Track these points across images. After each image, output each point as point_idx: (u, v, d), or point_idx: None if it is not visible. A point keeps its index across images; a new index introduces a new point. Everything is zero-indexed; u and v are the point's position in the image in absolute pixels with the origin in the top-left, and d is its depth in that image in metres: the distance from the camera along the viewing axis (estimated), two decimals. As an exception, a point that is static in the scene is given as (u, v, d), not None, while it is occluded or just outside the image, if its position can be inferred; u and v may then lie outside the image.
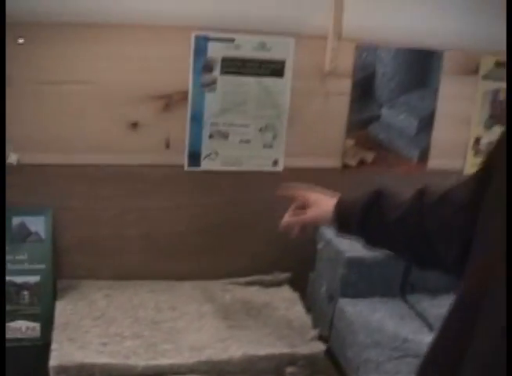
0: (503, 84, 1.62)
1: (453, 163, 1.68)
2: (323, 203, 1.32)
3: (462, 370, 0.84)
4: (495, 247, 0.84)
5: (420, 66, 1.58)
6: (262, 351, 1.32)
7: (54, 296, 1.47)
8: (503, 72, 1.62)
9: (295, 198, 1.39)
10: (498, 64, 1.62)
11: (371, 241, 1.26)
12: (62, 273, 1.52)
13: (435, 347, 0.92)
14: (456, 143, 1.66)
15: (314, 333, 1.40)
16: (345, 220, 1.27)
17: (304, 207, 1.37)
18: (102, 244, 1.53)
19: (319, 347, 1.36)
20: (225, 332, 1.38)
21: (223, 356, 1.30)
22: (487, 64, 1.62)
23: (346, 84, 1.55)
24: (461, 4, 1.57)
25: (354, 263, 1.48)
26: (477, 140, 1.66)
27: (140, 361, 1.26)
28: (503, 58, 1.61)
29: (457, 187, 1.09)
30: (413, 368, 0.95)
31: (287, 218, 1.37)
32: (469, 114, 1.65)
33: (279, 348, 1.34)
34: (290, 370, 1.34)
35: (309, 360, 1.35)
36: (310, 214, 1.34)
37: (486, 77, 1.62)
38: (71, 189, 1.48)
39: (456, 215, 1.01)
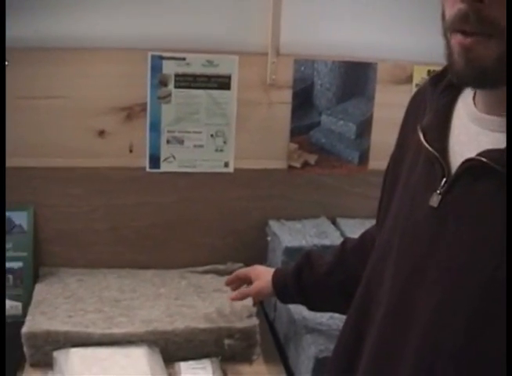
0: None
1: (392, 163, 2.06)
2: (265, 276, 1.60)
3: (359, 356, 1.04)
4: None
5: (356, 77, 1.98)
6: (202, 325, 1.73)
7: (35, 280, 1.92)
8: (437, 80, 2.00)
9: (238, 277, 1.71)
10: (430, 73, 2.00)
11: (311, 303, 1.52)
12: (43, 261, 1.97)
13: (342, 329, 1.15)
14: (393, 145, 2.04)
15: (251, 311, 1.80)
16: (282, 285, 1.53)
17: (248, 283, 1.67)
18: (76, 237, 1.97)
19: (253, 322, 1.74)
20: (174, 309, 1.80)
21: (168, 327, 1.71)
22: (420, 73, 2.00)
23: (287, 95, 1.97)
24: (393, 18, 1.97)
25: (292, 251, 1.86)
26: (414, 142, 2.04)
27: (98, 330, 1.69)
28: (435, 67, 1.99)
29: (371, 227, 1.32)
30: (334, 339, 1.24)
31: (233, 295, 1.67)
32: (404, 119, 2.03)
33: (217, 323, 1.75)
34: (228, 342, 1.71)
35: (244, 333, 1.72)
36: (253, 287, 1.63)
37: (419, 85, 2.00)
38: (49, 189, 1.93)
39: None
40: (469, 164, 0.86)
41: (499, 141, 0.84)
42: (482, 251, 0.83)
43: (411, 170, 0.99)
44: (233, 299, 1.69)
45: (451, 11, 0.82)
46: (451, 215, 0.87)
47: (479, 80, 0.83)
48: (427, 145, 0.93)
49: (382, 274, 0.99)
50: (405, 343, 0.91)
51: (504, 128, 0.84)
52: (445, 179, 0.89)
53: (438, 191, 0.89)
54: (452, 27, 0.82)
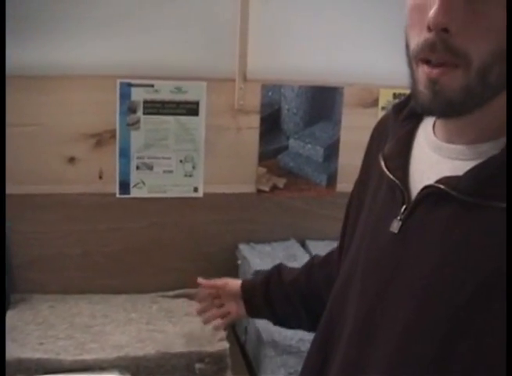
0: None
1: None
2: (232, 282, 1.62)
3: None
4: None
5: (323, 101, 2.03)
6: (173, 349, 1.76)
7: (6, 307, 1.94)
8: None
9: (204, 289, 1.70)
10: (396, 96, 2.05)
11: (277, 313, 1.52)
12: (16, 288, 1.98)
13: (308, 352, 1.14)
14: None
15: (222, 335, 1.84)
16: (251, 293, 1.55)
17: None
18: (49, 263, 2.00)
19: (224, 346, 1.77)
20: (145, 334, 1.83)
21: (139, 352, 1.74)
22: (385, 96, 2.06)
23: (255, 119, 2.02)
24: (358, 43, 2.03)
25: (261, 275, 1.92)
26: (381, 164, 2.10)
27: (69, 356, 1.71)
28: (400, 90, 2.05)
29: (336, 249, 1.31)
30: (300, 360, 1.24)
31: (205, 318, 1.70)
32: (371, 142, 2.08)
33: (188, 348, 1.78)
34: (198, 366, 1.74)
35: (215, 357, 1.75)
36: (219, 281, 1.64)
37: (385, 108, 2.06)
38: (22, 215, 1.95)
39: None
40: (428, 191, 0.88)
41: (458, 168, 0.86)
42: (444, 275, 0.84)
43: (375, 195, 1.01)
44: (206, 322, 1.72)
45: (417, 40, 0.83)
46: (411, 241, 0.88)
47: (445, 111, 0.84)
48: (388, 173, 0.95)
49: (347, 297, 1.01)
50: (368, 367, 0.92)
51: (464, 156, 0.87)
52: (404, 206, 0.91)
53: (399, 217, 0.91)
54: (418, 57, 0.83)
